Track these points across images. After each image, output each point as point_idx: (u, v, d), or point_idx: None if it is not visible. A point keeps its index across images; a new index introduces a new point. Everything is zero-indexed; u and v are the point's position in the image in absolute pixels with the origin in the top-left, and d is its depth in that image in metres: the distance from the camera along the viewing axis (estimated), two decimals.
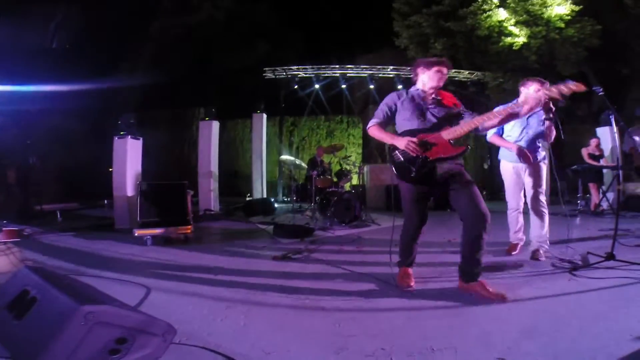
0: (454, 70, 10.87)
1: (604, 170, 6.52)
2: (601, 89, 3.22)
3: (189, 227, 4.30)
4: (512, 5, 10.07)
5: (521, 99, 2.65)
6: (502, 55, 10.41)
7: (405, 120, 2.60)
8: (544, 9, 9.81)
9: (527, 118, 3.28)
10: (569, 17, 9.80)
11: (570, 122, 10.55)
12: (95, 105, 8.75)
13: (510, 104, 2.53)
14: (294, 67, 10.34)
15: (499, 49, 10.59)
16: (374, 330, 1.88)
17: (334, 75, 10.49)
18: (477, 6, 10.40)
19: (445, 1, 11.03)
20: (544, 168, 3.39)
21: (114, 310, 1.54)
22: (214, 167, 6.83)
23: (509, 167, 3.47)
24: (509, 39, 10.40)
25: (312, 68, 10.38)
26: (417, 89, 2.67)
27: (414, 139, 2.43)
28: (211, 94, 11.28)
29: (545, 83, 3.06)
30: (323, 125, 10.66)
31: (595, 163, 6.35)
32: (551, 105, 2.69)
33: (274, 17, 14.84)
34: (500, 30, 10.57)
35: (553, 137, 3.18)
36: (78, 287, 1.84)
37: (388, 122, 2.69)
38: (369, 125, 2.71)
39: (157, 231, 4.14)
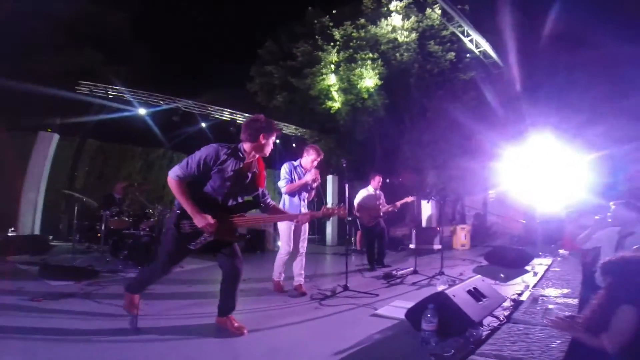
0: (284, 124, 12.22)
1: None
2: (345, 161, 4.48)
3: None
4: (341, 72, 12.17)
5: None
6: (322, 116, 12.39)
7: (215, 185, 2.45)
8: (360, 80, 12.14)
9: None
10: (373, 90, 12.25)
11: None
12: None
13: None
14: (123, 88, 9.39)
15: (322, 110, 12.58)
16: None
17: (162, 106, 10.10)
18: (318, 68, 12.14)
19: (298, 58, 12.47)
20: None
21: None
22: None
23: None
24: (329, 103, 12.48)
25: (138, 93, 9.76)
26: (242, 153, 2.51)
27: (212, 222, 2.37)
28: None
29: (320, 154, 4.02)
30: (139, 157, 9.88)
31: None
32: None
33: (121, 26, 13.09)
34: (327, 94, 12.57)
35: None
36: None
37: (193, 178, 2.45)
38: (170, 175, 2.42)
39: None
